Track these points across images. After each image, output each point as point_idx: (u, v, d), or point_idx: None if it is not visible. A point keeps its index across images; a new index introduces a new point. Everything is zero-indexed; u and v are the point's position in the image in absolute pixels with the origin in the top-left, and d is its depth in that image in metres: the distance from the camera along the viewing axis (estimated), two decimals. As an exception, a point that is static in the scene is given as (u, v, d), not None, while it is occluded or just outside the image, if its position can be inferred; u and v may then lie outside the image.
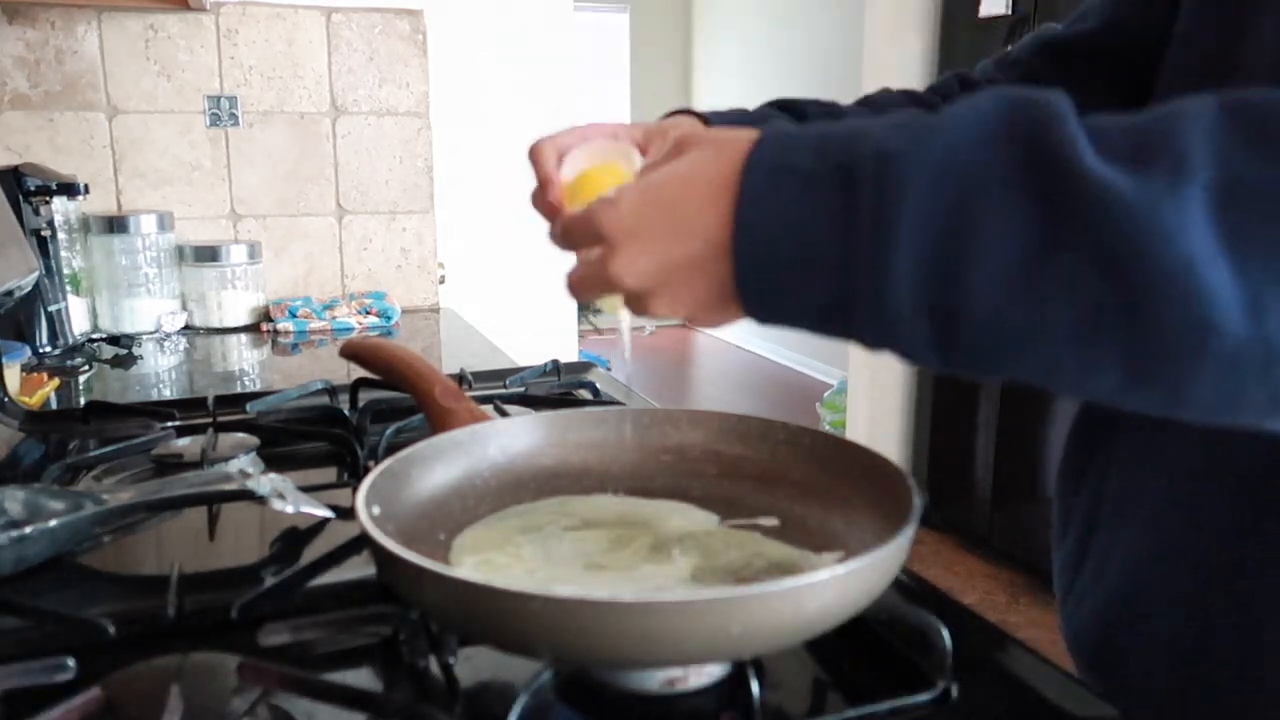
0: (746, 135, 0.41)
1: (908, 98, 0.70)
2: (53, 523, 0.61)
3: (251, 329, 1.66)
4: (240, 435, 0.89)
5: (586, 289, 0.47)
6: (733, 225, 0.40)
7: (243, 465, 0.83)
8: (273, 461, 0.86)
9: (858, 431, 3.20)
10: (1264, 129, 0.34)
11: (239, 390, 1.19)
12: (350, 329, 1.63)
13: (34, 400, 1.13)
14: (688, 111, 0.66)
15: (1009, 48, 0.71)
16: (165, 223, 1.62)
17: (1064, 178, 0.34)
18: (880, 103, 0.70)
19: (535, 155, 0.58)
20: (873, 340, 0.39)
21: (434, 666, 0.49)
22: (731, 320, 0.44)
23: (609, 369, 1.28)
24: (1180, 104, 0.35)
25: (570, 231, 0.47)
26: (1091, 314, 0.34)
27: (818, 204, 0.38)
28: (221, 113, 1.67)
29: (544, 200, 0.58)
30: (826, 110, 0.68)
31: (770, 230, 0.39)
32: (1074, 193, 0.34)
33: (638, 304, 0.45)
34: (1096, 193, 0.33)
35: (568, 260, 0.53)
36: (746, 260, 0.40)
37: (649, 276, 0.43)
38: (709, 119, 0.65)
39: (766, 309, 0.41)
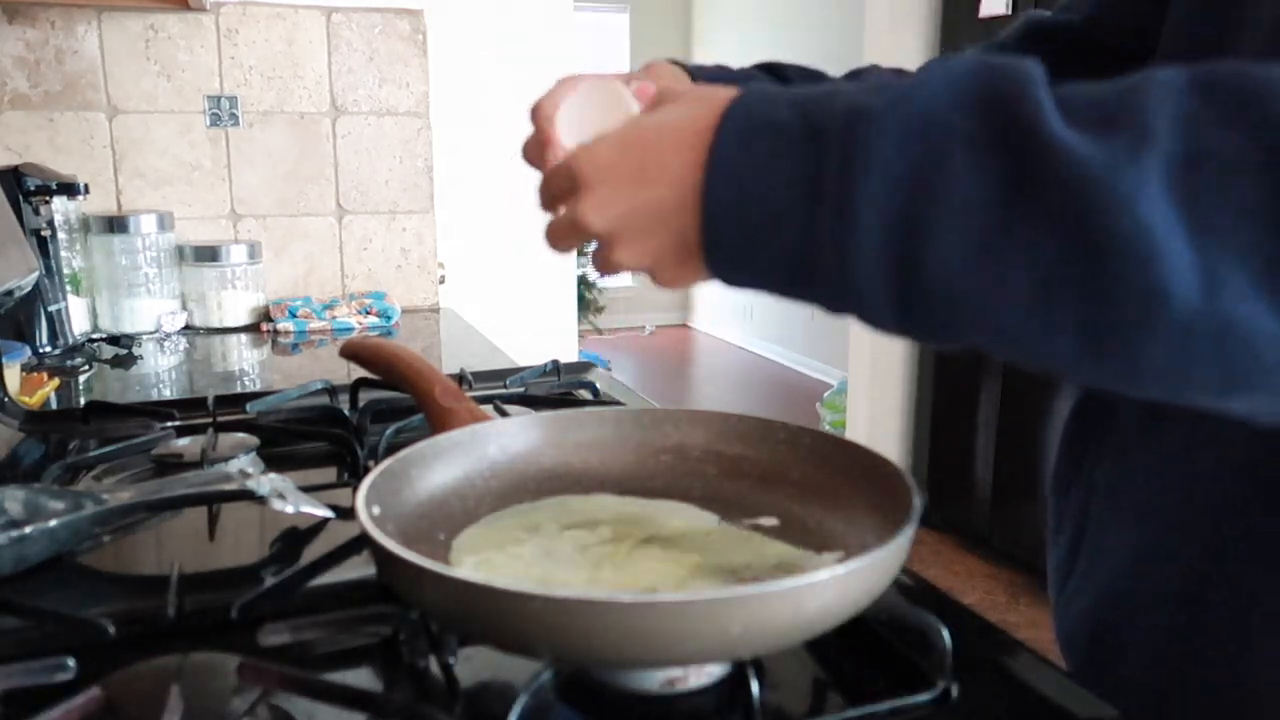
0: (727, 92, 0.42)
1: (897, 76, 0.70)
2: (53, 523, 0.61)
3: (251, 329, 1.66)
4: (240, 435, 0.89)
5: (560, 235, 0.47)
6: (703, 175, 0.40)
7: (243, 465, 0.83)
8: (273, 461, 0.86)
9: (858, 431, 3.19)
10: (1230, 101, 0.34)
11: (239, 390, 1.19)
12: (350, 329, 1.63)
13: (34, 400, 1.13)
14: (674, 63, 0.66)
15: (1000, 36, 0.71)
16: (165, 223, 1.62)
17: (1029, 142, 0.34)
18: (867, 77, 0.69)
19: (537, 115, 0.57)
20: (833, 299, 0.39)
21: (434, 666, 0.49)
22: (693, 278, 0.44)
23: (609, 369, 1.28)
24: (1150, 73, 0.35)
25: (551, 180, 0.47)
26: (1049, 279, 0.34)
27: (788, 158, 0.38)
28: (221, 113, 1.67)
29: (537, 154, 0.56)
30: (809, 75, 0.68)
31: (739, 183, 0.39)
32: (1038, 157, 0.34)
33: (605, 251, 0.45)
34: (1059, 158, 0.34)
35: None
36: (713, 211, 0.40)
37: (615, 220, 0.43)
38: (693, 73, 0.65)
39: (728, 262, 0.41)
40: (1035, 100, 0.35)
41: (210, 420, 0.96)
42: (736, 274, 0.42)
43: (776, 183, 0.39)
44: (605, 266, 0.46)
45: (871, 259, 0.37)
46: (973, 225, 0.35)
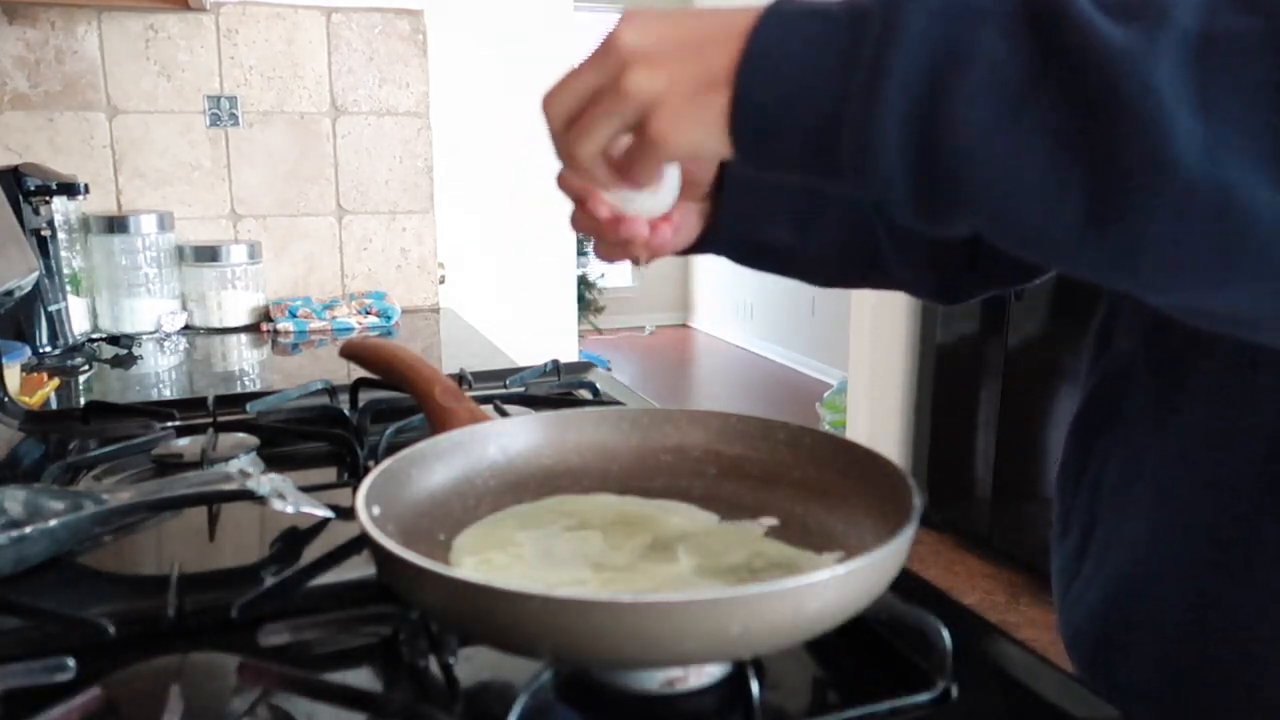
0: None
1: None
2: (53, 523, 0.61)
3: (251, 329, 1.66)
4: (240, 435, 0.89)
5: (603, 103, 0.45)
6: (741, 52, 0.41)
7: (243, 465, 0.83)
8: (273, 461, 0.86)
9: (858, 431, 3.20)
10: None
11: (239, 390, 1.19)
12: (350, 329, 1.63)
13: (34, 400, 1.13)
14: None
15: None
16: (165, 223, 1.62)
17: (1059, 21, 0.36)
18: None
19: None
20: (852, 170, 0.40)
21: (434, 666, 0.49)
22: (702, 129, 0.43)
23: (609, 369, 1.28)
24: None
25: (591, 61, 0.46)
26: (1062, 150, 0.36)
27: (825, 38, 0.40)
28: (221, 113, 1.67)
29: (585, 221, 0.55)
30: None
31: (775, 59, 0.41)
32: (1065, 35, 0.36)
33: (629, 70, 0.44)
34: (1084, 36, 0.35)
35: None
36: (748, 82, 0.41)
37: (659, 87, 0.43)
38: None
39: (754, 132, 0.42)
40: None
41: (210, 420, 0.96)
42: (760, 146, 0.42)
43: (812, 60, 0.40)
44: (623, 84, 0.44)
45: (893, 128, 0.38)
46: (997, 95, 0.36)
